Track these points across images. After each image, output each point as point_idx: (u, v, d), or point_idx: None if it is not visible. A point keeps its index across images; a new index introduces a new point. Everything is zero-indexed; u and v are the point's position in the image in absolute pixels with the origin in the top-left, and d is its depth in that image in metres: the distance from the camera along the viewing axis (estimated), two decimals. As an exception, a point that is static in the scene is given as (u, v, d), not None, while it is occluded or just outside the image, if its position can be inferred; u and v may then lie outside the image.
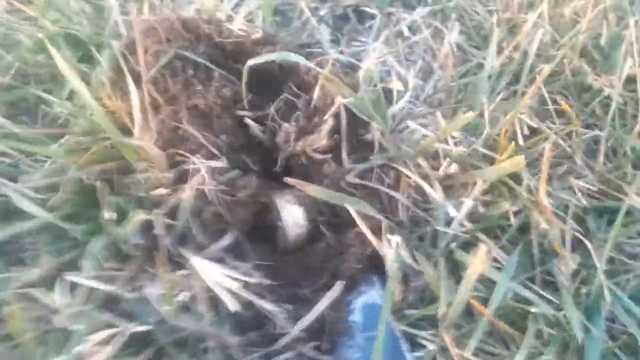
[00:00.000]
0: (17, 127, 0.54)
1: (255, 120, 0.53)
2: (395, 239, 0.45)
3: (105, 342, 0.39)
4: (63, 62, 0.45)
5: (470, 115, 0.46)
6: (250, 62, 0.48)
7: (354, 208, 0.47)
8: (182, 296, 0.42)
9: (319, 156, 0.52)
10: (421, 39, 0.69)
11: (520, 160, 0.43)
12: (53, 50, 0.45)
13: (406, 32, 0.73)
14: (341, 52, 0.70)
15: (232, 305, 0.41)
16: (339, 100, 0.51)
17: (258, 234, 0.51)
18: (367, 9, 0.79)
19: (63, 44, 0.59)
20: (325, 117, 0.52)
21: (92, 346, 0.38)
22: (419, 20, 0.74)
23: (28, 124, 0.59)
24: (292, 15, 0.76)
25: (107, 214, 0.43)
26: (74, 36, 0.59)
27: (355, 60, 0.66)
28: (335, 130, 0.52)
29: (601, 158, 0.55)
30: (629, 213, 0.49)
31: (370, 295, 0.49)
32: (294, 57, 0.50)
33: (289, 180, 0.46)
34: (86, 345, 0.38)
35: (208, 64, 0.52)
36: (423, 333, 0.45)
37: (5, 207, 0.51)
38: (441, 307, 0.43)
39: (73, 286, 0.45)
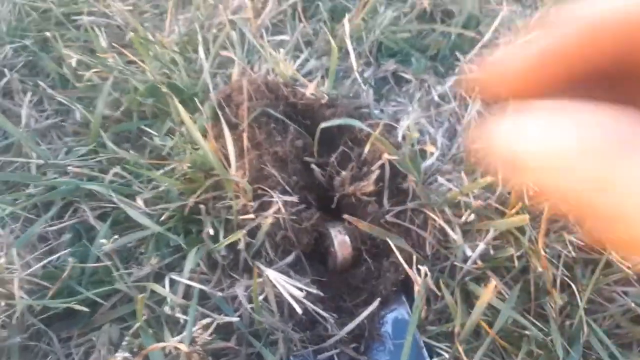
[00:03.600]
0: (127, 154, 0.69)
1: (317, 165, 0.67)
2: (423, 269, 0.58)
3: (205, 328, 0.53)
4: (182, 109, 0.60)
5: (489, 179, 0.60)
6: (323, 125, 0.63)
7: (393, 242, 0.60)
8: (262, 297, 0.56)
9: (365, 198, 0.66)
10: (449, 107, 0.84)
11: (525, 217, 0.56)
12: (174, 100, 0.60)
13: (436, 98, 0.88)
14: (382, 111, 0.85)
15: (299, 309, 0.55)
16: (385, 156, 0.65)
17: (314, 256, 0.65)
18: (404, 74, 0.94)
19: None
20: (373, 168, 0.65)
21: (197, 330, 0.51)
22: (447, 88, 0.88)
23: (129, 152, 0.73)
24: (342, 74, 0.91)
25: (210, 231, 0.57)
26: (174, 85, 0.74)
27: (393, 120, 0.80)
28: (379, 179, 0.66)
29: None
30: (608, 264, 0.63)
31: (399, 311, 0.62)
32: (353, 122, 0.64)
33: (346, 217, 0.60)
34: (195, 329, 0.51)
35: (285, 119, 0.66)
36: (440, 345, 0.58)
37: (116, 217, 0.65)
38: (457, 325, 0.56)
39: (172, 283, 0.59)
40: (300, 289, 0.56)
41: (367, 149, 0.66)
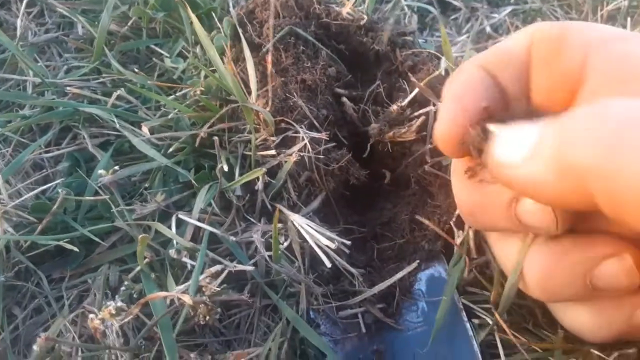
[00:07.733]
0: (134, 76, 0.60)
1: (350, 99, 0.58)
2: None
3: (214, 276, 0.46)
4: (197, 21, 0.50)
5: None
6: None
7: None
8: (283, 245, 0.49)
9: (403, 144, 0.56)
10: (504, 38, 0.73)
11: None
12: (188, 10, 0.51)
13: (488, 29, 0.77)
14: (425, 41, 0.74)
15: (328, 263, 0.47)
16: (432, 107, 0.54)
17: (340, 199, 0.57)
18: (452, 1, 0.82)
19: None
20: (416, 114, 0.55)
21: (205, 278, 0.45)
22: (502, 19, 0.77)
23: (136, 72, 0.65)
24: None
25: (224, 167, 0.49)
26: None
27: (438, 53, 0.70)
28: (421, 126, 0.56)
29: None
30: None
31: (435, 268, 0.54)
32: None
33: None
34: (203, 277, 0.44)
35: (316, 42, 0.56)
36: (480, 308, 0.51)
37: (119, 147, 0.58)
38: (494, 291, 0.48)
39: (179, 224, 0.52)
40: (332, 240, 0.49)
41: (411, 96, 0.56)
